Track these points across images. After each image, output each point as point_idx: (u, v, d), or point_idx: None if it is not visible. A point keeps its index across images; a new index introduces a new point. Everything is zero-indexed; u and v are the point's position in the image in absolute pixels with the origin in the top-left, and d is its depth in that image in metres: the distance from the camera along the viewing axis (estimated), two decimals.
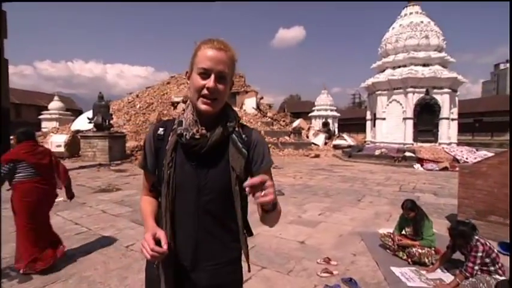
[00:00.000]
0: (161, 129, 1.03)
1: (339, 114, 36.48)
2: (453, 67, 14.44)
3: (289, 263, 3.22)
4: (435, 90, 13.21)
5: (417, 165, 11.57)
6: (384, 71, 14.92)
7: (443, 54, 13.76)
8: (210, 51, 0.91)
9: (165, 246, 0.85)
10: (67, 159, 12.91)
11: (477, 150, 13.42)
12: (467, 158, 11.49)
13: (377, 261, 3.27)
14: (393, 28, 14.79)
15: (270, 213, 0.91)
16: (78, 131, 16.29)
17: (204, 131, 0.95)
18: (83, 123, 17.87)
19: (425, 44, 13.62)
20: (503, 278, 2.65)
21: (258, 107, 25.42)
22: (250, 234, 1.09)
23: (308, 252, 3.54)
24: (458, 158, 11.60)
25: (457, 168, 10.92)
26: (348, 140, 23.76)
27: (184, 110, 1.01)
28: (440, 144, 13.09)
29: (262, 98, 29.33)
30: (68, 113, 29.54)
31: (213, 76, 0.90)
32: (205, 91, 0.91)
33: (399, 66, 14.12)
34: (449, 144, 13.29)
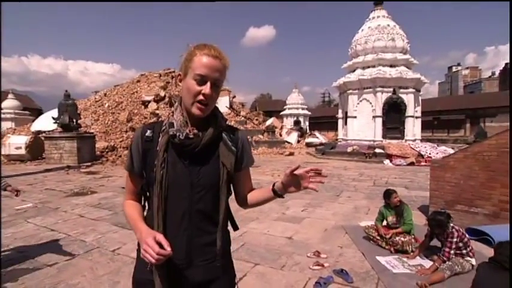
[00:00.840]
0: (149, 131, 1.05)
1: (310, 113, 37.42)
2: (416, 68, 15.48)
3: (280, 259, 3.31)
4: (401, 90, 14.09)
5: (387, 161, 12.27)
6: (354, 71, 15.60)
7: (407, 56, 14.70)
8: (207, 58, 0.95)
9: (168, 248, 0.86)
10: (29, 162, 12.00)
11: (438, 146, 14.53)
12: (430, 153, 12.40)
13: (363, 252, 3.46)
14: (362, 30, 15.50)
15: (275, 198, 1.11)
16: (39, 132, 15.17)
17: (195, 131, 1.00)
18: (44, 123, 16.64)
19: (392, 46, 14.45)
20: (473, 259, 2.97)
21: (231, 106, 25.37)
22: (236, 228, 1.17)
23: (297, 247, 3.65)
24: (423, 153, 12.48)
25: (422, 163, 11.79)
26: (319, 137, 24.49)
27: (173, 112, 1.04)
28: (406, 140, 13.99)
29: (234, 96, 29.28)
30: (26, 112, 27.29)
31: (209, 83, 0.95)
32: (200, 97, 0.95)
33: (368, 67, 14.85)
34: (414, 140, 14.25)
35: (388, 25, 14.80)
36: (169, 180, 0.99)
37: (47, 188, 7.21)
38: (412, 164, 11.79)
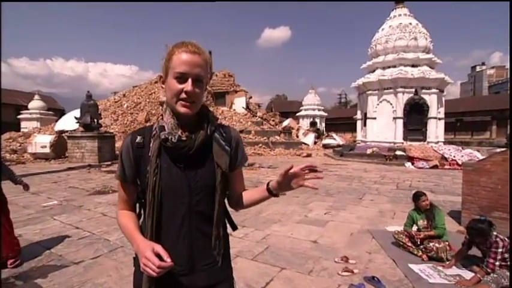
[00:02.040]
0: (139, 137, 1.01)
1: (326, 114, 36.97)
2: (439, 68, 14.92)
3: (307, 263, 3.19)
4: (424, 91, 13.59)
5: (408, 164, 11.85)
6: (374, 71, 15.20)
7: (430, 55, 14.17)
8: (185, 55, 0.92)
9: (168, 260, 0.83)
10: (53, 161, 12.41)
11: (462, 148, 13.91)
12: (454, 156, 11.88)
13: (394, 259, 3.28)
14: (383, 29, 15.09)
15: (269, 198, 1.06)
16: (62, 131, 15.70)
17: (187, 133, 0.98)
18: (67, 123, 17.24)
19: (414, 45, 13.98)
20: None
21: (247, 107, 25.38)
22: (235, 228, 1.14)
23: (323, 251, 3.52)
24: (447, 156, 11.97)
25: (446, 166, 11.32)
26: (337, 139, 24.11)
27: (162, 115, 1.01)
28: (428, 143, 13.48)
29: (251, 97, 29.30)
30: (50, 112, 28.38)
31: (190, 80, 0.92)
32: (183, 95, 0.92)
33: (389, 67, 14.42)
34: (437, 142, 13.70)
35: (410, 23, 14.32)
36: (165, 185, 0.96)
37: (70, 186, 7.39)
38: (435, 167, 11.33)
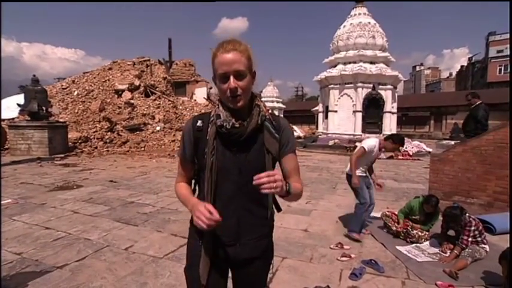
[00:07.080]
0: (200, 121, 1.14)
1: (284, 106, 37.84)
2: (392, 66, 16.14)
3: (305, 251, 3.28)
4: (380, 86, 14.63)
5: None
6: (335, 66, 15.90)
7: (386, 53, 15.25)
8: (223, 56, 1.01)
9: (217, 215, 0.94)
10: None
11: (411, 141, 15.38)
12: (406, 147, 13.08)
13: (383, 243, 3.54)
14: (344, 26, 15.80)
15: (285, 198, 1.08)
16: None
17: (240, 121, 1.08)
18: (3, 110, 15.14)
19: (372, 43, 14.90)
20: (487, 246, 3.16)
21: (208, 97, 24.80)
22: (279, 210, 1.27)
23: (317, 239, 3.65)
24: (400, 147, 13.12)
25: (400, 157, 12.38)
26: (297, 131, 24.91)
27: (218, 105, 1.12)
28: (384, 135, 14.62)
29: (211, 88, 28.67)
30: None
31: (231, 77, 1.01)
32: (229, 92, 1.02)
33: (350, 62, 15.21)
34: None
35: (369, 23, 15.22)
36: (220, 165, 1.08)
37: (22, 182, 6.53)
38: (391, 157, 12.37)
